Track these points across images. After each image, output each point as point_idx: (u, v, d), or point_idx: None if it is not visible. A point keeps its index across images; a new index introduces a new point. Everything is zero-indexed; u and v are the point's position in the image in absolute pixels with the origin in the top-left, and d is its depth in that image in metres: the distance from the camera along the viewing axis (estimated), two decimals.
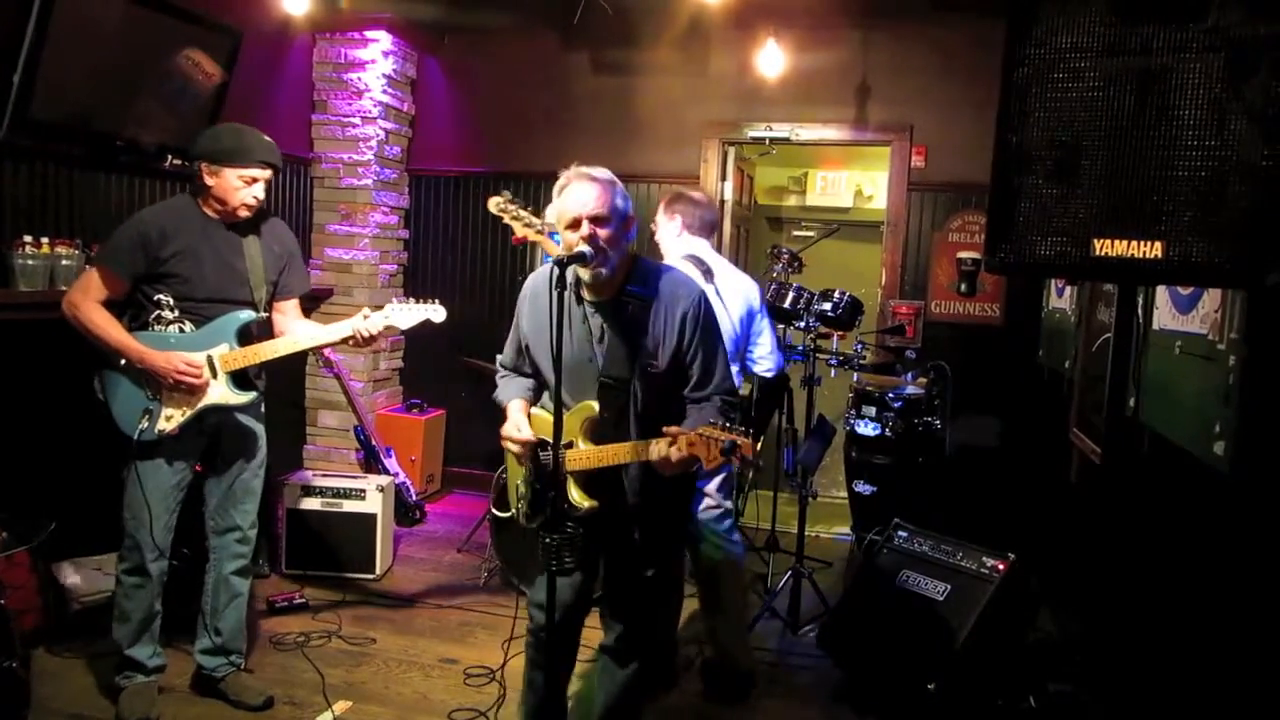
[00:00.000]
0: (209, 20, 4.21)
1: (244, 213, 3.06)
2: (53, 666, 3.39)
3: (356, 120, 5.57)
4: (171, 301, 3.01)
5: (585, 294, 2.45)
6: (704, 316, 2.47)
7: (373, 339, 3.16)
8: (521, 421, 2.54)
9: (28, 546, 3.44)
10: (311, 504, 4.39)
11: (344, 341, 3.16)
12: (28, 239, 3.57)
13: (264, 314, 3.18)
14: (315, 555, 4.39)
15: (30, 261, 3.54)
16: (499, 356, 2.78)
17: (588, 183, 2.37)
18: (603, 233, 2.34)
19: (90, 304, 2.94)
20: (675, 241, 3.56)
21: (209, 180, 3.00)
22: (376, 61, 5.52)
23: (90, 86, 3.78)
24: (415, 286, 6.01)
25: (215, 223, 3.07)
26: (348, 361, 5.51)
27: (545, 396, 2.61)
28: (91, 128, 3.86)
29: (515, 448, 2.53)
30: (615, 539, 2.55)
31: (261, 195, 3.06)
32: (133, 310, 3.03)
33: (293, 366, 5.56)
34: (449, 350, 5.70)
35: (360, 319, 3.14)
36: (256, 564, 4.26)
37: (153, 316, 3.01)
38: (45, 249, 3.59)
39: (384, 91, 5.58)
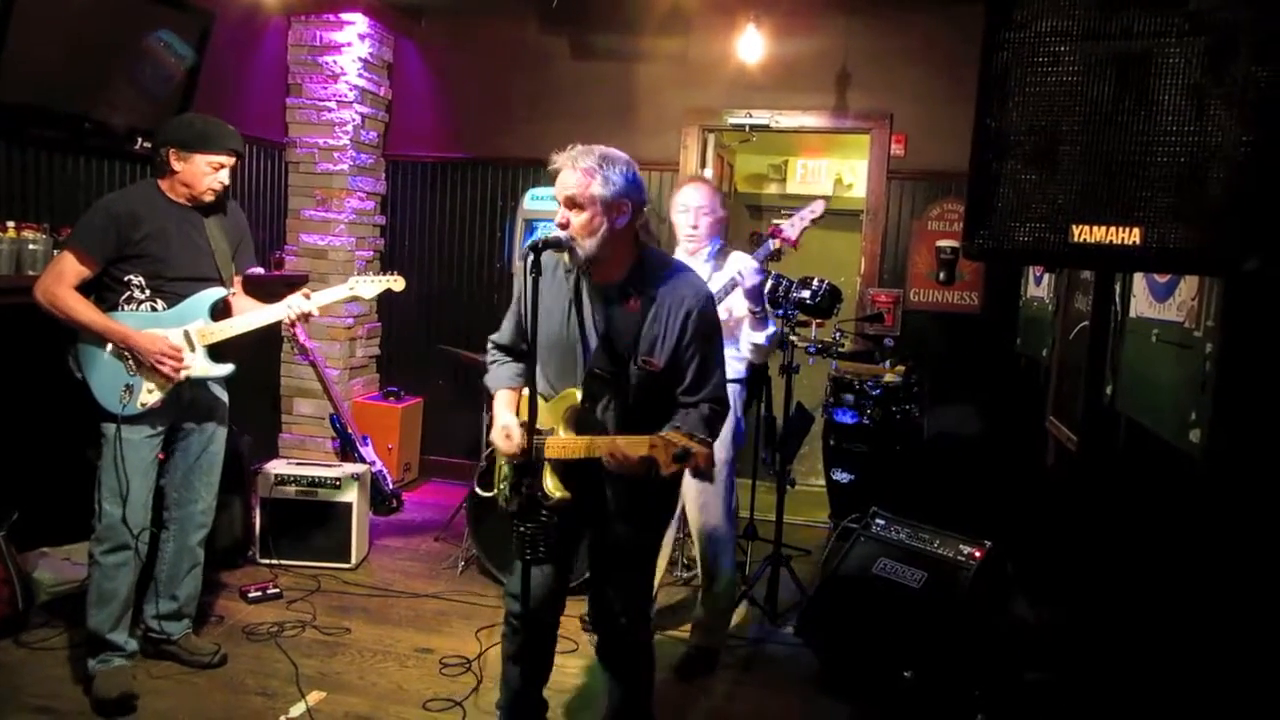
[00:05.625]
0: (180, 1, 4.13)
1: (209, 197, 3.15)
2: (20, 658, 3.33)
3: (332, 104, 5.50)
4: (142, 281, 3.07)
5: (592, 275, 2.37)
6: (709, 320, 2.39)
7: (306, 317, 3.31)
8: (511, 424, 2.45)
9: None
10: (286, 493, 4.34)
11: (293, 320, 3.30)
12: None
13: (233, 290, 3.28)
14: (290, 544, 4.34)
15: None
16: (493, 336, 2.70)
17: (569, 167, 2.30)
18: (576, 219, 2.27)
19: (66, 290, 2.99)
20: None
21: (177, 165, 3.08)
22: (352, 44, 5.44)
23: (59, 68, 3.71)
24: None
25: (178, 205, 3.14)
26: (324, 348, 5.46)
27: (539, 376, 2.49)
28: (60, 110, 3.80)
29: (510, 450, 2.43)
30: (595, 532, 2.52)
31: (227, 180, 3.16)
32: (101, 292, 3.07)
33: (268, 353, 5.50)
34: (426, 338, 5.66)
35: (298, 299, 3.28)
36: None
37: (123, 297, 3.07)
38: (11, 233, 3.54)
39: (360, 75, 5.51)
